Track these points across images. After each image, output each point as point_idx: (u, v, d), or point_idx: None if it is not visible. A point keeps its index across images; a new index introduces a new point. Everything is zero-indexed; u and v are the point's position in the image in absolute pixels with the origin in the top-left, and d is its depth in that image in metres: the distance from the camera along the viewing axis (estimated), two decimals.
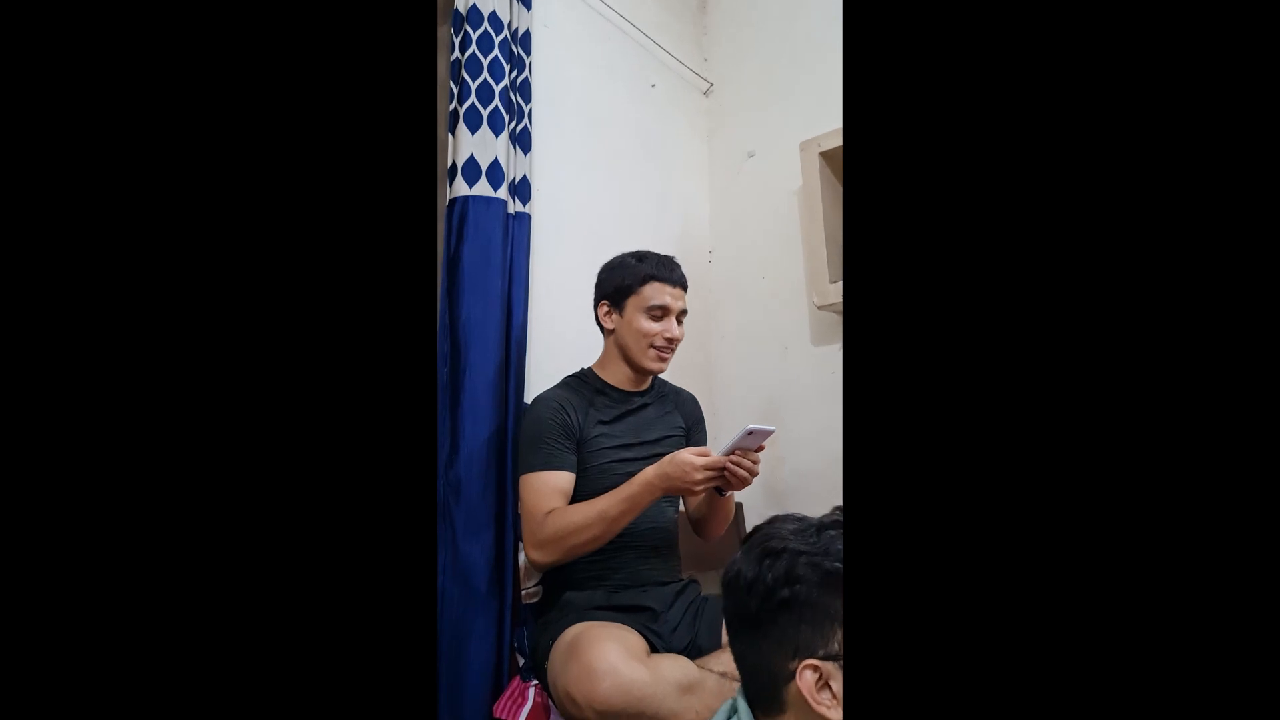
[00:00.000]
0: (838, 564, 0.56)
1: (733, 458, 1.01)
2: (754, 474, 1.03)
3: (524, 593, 1.21)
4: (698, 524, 1.25)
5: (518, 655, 1.19)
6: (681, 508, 1.29)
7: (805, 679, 0.54)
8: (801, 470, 1.71)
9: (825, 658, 0.55)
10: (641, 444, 1.18)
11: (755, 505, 1.69)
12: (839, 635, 0.55)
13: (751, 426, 0.98)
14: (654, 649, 1.02)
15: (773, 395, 1.79)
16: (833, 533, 0.59)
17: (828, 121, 1.63)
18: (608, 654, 0.89)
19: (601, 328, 1.24)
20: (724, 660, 0.97)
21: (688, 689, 0.89)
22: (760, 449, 1.04)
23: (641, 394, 1.24)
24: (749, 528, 1.61)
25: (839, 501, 0.63)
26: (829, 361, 1.72)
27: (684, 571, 1.25)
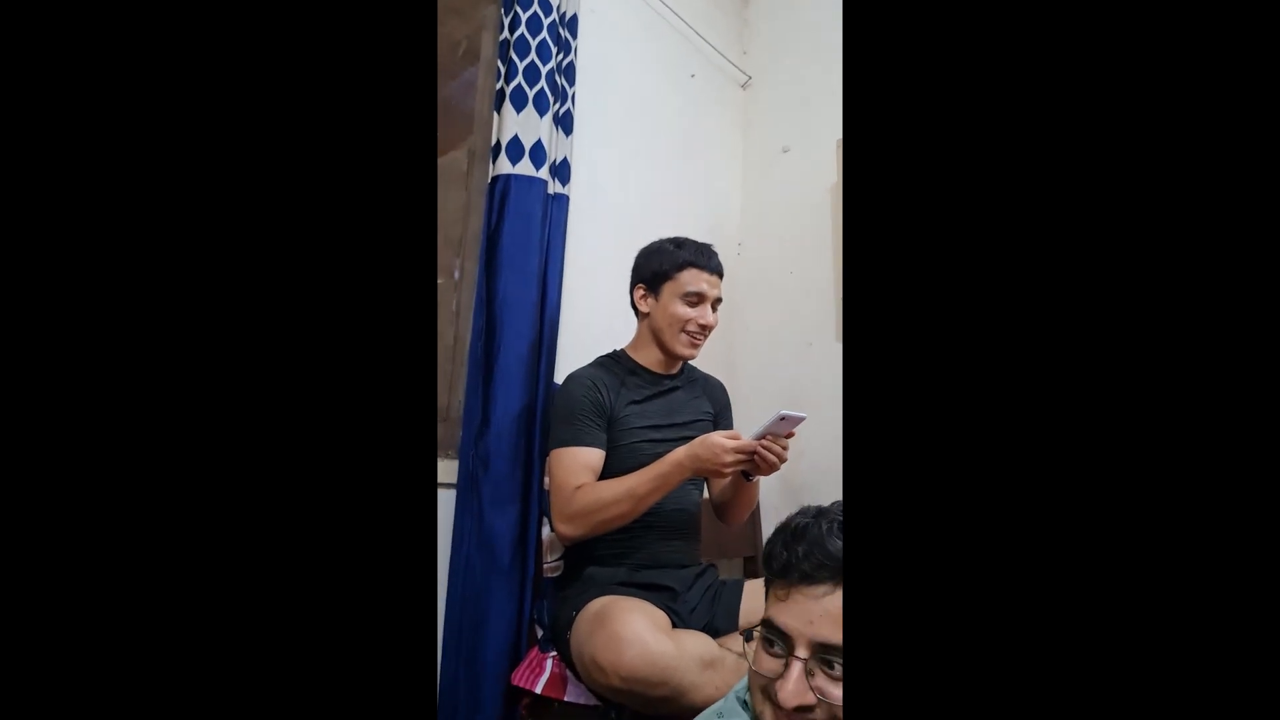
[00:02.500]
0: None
1: (763, 442, 1.02)
2: (783, 459, 1.05)
3: (545, 566, 1.24)
4: (721, 508, 1.27)
5: (537, 627, 1.21)
6: (705, 494, 1.31)
7: None
8: (820, 466, 1.71)
9: None
10: (671, 425, 1.19)
11: (772, 499, 1.70)
12: None
13: (784, 412, 1.00)
14: (674, 626, 1.04)
15: (795, 390, 1.80)
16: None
17: None
18: (635, 624, 0.91)
19: (636, 311, 1.25)
20: (740, 642, 0.98)
21: (709, 664, 0.91)
22: (791, 435, 1.05)
23: (672, 377, 1.25)
24: (764, 520, 1.63)
25: None
26: None
27: (702, 558, 1.26)
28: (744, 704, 0.66)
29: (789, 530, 0.60)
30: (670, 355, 1.22)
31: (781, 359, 1.85)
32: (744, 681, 0.68)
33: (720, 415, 1.31)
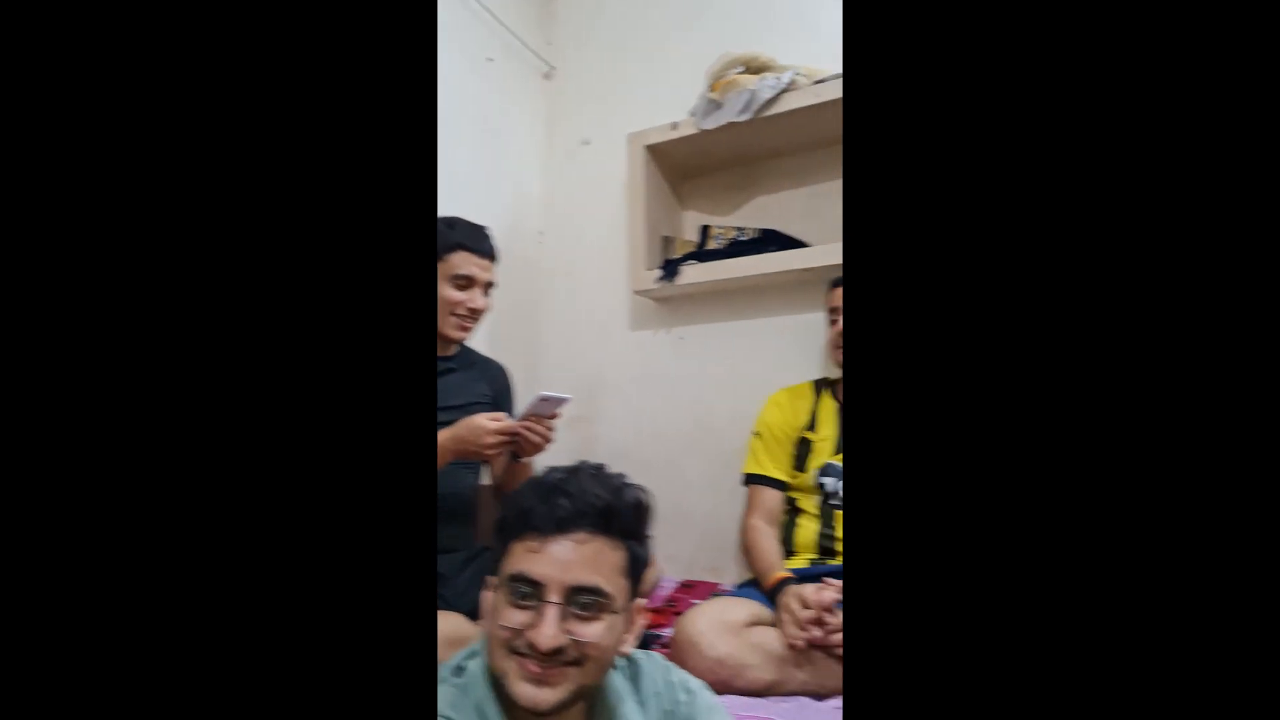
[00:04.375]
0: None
1: (526, 423, 1.04)
2: (548, 440, 1.07)
3: None
4: (500, 492, 1.28)
5: None
6: (486, 479, 1.30)
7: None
8: (615, 449, 1.78)
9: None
10: (446, 409, 1.17)
11: None
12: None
13: (545, 393, 1.02)
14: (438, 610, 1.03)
15: (592, 375, 1.85)
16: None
17: (660, 116, 1.70)
18: None
19: None
20: None
21: (455, 643, 0.91)
22: (555, 416, 1.07)
23: (447, 359, 1.24)
24: None
25: (646, 478, 0.69)
26: (645, 346, 1.80)
27: (481, 540, 1.26)
28: (459, 670, 0.66)
29: (546, 486, 0.62)
30: (440, 338, 1.20)
31: (580, 345, 1.89)
32: (460, 655, 0.68)
33: (499, 398, 1.31)
